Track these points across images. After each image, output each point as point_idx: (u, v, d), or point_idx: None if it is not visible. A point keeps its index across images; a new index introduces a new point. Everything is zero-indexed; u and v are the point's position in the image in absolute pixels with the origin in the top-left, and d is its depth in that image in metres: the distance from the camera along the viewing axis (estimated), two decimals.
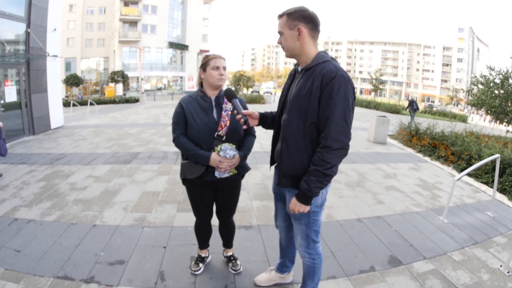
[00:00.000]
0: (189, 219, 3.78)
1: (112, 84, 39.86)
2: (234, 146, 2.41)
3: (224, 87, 2.48)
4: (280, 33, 1.98)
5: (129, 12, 40.95)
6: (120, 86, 40.50)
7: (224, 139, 2.37)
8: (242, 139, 2.53)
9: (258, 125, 2.31)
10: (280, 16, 1.97)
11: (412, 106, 19.05)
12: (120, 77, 37.87)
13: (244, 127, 2.18)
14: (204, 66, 2.41)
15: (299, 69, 2.04)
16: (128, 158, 6.91)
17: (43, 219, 3.91)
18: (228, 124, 2.39)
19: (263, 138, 8.78)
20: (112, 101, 28.92)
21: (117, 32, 41.18)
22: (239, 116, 2.15)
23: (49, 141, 8.82)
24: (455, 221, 4.31)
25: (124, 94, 38.07)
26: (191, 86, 45.74)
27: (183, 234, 3.58)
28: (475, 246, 3.68)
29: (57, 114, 11.84)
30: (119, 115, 16.45)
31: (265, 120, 2.29)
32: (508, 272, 3.14)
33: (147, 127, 11.66)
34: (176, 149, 7.69)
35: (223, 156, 2.34)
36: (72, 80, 35.89)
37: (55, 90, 11.95)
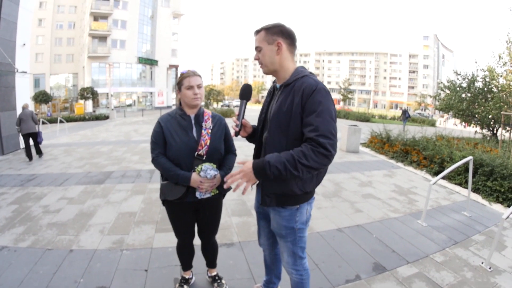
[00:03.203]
0: (169, 239, 3.69)
1: (81, 101, 38.86)
2: (215, 165, 2.34)
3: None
4: (258, 48, 1.94)
5: (99, 27, 40.24)
6: (89, 103, 39.57)
7: (204, 158, 2.29)
8: (223, 157, 2.47)
9: (245, 137, 2.24)
10: (258, 32, 1.95)
11: (405, 114, 22.56)
12: (89, 93, 36.91)
13: (232, 133, 2.15)
14: (179, 86, 2.33)
15: (278, 85, 2.02)
16: (101, 178, 6.70)
17: (16, 245, 3.69)
18: (208, 143, 2.31)
19: (247, 150, 8.67)
20: (82, 119, 28.14)
21: (86, 48, 40.31)
22: (235, 120, 2.10)
23: (19, 161, 8.46)
24: (434, 224, 4.43)
25: (94, 111, 37.19)
26: (161, 101, 44.75)
27: (164, 255, 3.46)
28: (456, 246, 3.80)
29: None
30: (89, 133, 16.04)
31: (253, 135, 2.22)
32: (490, 268, 3.27)
33: (118, 145, 11.44)
34: (150, 167, 7.65)
35: (204, 176, 2.25)
36: (41, 97, 34.50)
37: None
